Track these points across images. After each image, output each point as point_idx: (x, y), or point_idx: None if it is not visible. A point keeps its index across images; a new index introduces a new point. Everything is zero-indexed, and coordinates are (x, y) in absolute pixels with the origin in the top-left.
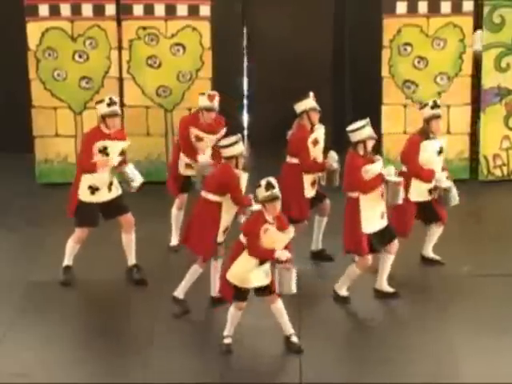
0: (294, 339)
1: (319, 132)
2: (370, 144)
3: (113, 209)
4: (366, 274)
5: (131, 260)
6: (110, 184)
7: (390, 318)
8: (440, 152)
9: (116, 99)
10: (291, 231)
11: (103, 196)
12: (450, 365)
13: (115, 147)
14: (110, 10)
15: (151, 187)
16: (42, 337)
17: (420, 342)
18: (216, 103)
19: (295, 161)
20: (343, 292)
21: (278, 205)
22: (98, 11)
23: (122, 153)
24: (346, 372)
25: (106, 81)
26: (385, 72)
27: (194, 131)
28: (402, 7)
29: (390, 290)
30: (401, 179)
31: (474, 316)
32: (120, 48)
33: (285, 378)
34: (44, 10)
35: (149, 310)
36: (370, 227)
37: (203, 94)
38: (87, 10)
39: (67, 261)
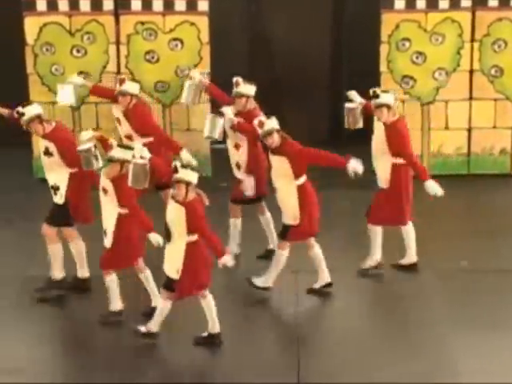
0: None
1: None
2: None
3: None
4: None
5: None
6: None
7: (385, 314)
8: None
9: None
10: None
11: None
12: (448, 362)
13: None
14: (108, 4)
15: None
16: (36, 332)
17: (417, 339)
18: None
19: None
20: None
21: None
22: (96, 6)
23: None
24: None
25: (103, 76)
26: (383, 67)
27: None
28: (400, 3)
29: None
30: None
31: (470, 311)
32: (118, 43)
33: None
34: (42, 4)
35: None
36: None
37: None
38: (85, 4)
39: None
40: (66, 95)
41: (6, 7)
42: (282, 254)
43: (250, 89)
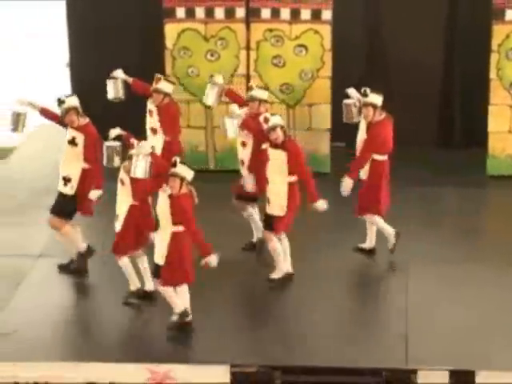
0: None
1: None
2: None
3: None
4: None
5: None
6: None
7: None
8: None
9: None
10: None
11: None
12: None
13: None
14: (240, 13)
15: None
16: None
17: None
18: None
19: None
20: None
21: None
22: (229, 14)
23: None
24: None
25: (234, 78)
26: (493, 74)
27: None
28: (510, 14)
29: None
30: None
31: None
32: (248, 48)
33: None
34: (181, 12)
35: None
36: None
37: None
38: (219, 12)
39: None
40: (114, 90)
41: (148, 14)
42: (273, 244)
43: (262, 93)
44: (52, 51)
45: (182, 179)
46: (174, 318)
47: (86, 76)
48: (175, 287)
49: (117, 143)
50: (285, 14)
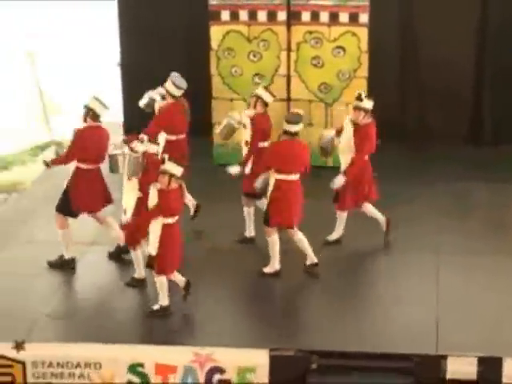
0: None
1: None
2: None
3: None
4: None
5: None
6: None
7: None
8: None
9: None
10: None
11: None
12: None
13: None
14: (282, 16)
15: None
16: None
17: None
18: None
19: None
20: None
21: None
22: (271, 17)
23: None
24: None
25: (275, 78)
26: None
27: None
28: None
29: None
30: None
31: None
32: (289, 49)
33: None
34: (225, 15)
35: None
36: None
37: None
38: (262, 15)
39: None
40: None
41: (194, 17)
42: (272, 239)
43: (267, 96)
44: (101, 51)
45: (171, 175)
46: (156, 307)
47: (137, 75)
48: (169, 276)
49: (121, 151)
50: (324, 17)
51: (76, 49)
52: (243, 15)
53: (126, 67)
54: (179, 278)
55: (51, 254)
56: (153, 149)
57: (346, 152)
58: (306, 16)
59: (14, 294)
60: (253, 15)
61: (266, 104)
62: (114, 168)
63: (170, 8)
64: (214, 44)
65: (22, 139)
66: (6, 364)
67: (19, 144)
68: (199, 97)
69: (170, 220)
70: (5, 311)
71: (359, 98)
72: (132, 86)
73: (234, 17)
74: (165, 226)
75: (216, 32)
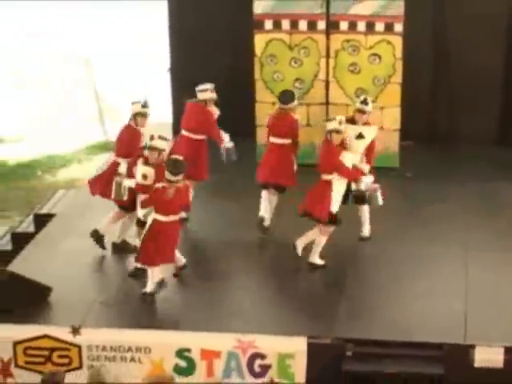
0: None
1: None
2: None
3: None
4: None
5: None
6: None
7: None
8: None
9: (149, 103)
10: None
11: None
12: None
13: None
14: (321, 25)
15: None
16: None
17: None
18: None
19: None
20: (319, 261)
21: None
22: (312, 26)
23: None
24: None
25: (315, 83)
26: None
27: None
28: None
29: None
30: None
31: None
32: (328, 56)
33: None
34: (269, 24)
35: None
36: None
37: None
38: (303, 25)
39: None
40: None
41: (240, 26)
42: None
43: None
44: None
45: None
46: (147, 290)
47: (185, 81)
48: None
49: (120, 179)
50: (361, 26)
51: (129, 53)
52: (285, 24)
53: (175, 72)
54: (179, 257)
55: (106, 245)
56: (161, 145)
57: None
58: (344, 25)
59: (72, 282)
60: (294, 24)
61: None
62: (117, 194)
63: (217, 17)
64: (258, 51)
65: (79, 139)
66: (63, 347)
67: (76, 144)
68: (244, 100)
69: (162, 217)
70: (63, 298)
71: (365, 102)
72: (180, 90)
73: (277, 26)
74: (155, 221)
75: (260, 40)
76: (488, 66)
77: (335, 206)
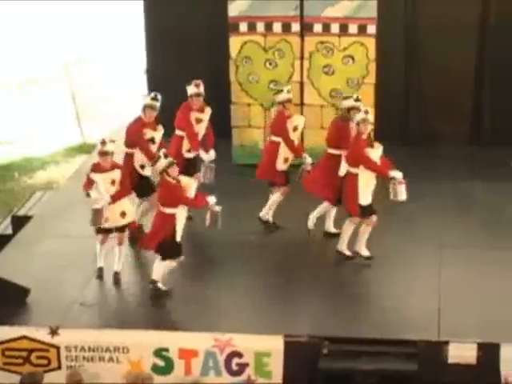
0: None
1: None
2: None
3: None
4: None
5: None
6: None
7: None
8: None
9: (159, 97)
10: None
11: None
12: None
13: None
14: (296, 27)
15: None
16: None
17: None
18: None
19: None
20: (347, 251)
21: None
22: (286, 28)
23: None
24: None
25: (289, 84)
26: None
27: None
28: None
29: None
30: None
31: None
32: (302, 58)
33: None
34: (244, 26)
35: None
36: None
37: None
38: (277, 27)
39: None
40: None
41: (214, 29)
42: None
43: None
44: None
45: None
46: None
47: (161, 81)
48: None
49: (102, 205)
50: (335, 28)
51: (107, 54)
52: (260, 27)
53: (151, 73)
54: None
55: (83, 247)
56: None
57: None
58: (317, 27)
59: (50, 284)
60: (269, 27)
61: None
62: (94, 221)
63: (192, 20)
64: (233, 53)
65: (56, 141)
66: (42, 348)
67: (54, 146)
68: (219, 102)
69: (166, 210)
70: (41, 300)
71: (358, 100)
72: (156, 90)
73: (252, 28)
74: (158, 212)
75: (235, 42)
76: (460, 66)
77: (365, 199)
